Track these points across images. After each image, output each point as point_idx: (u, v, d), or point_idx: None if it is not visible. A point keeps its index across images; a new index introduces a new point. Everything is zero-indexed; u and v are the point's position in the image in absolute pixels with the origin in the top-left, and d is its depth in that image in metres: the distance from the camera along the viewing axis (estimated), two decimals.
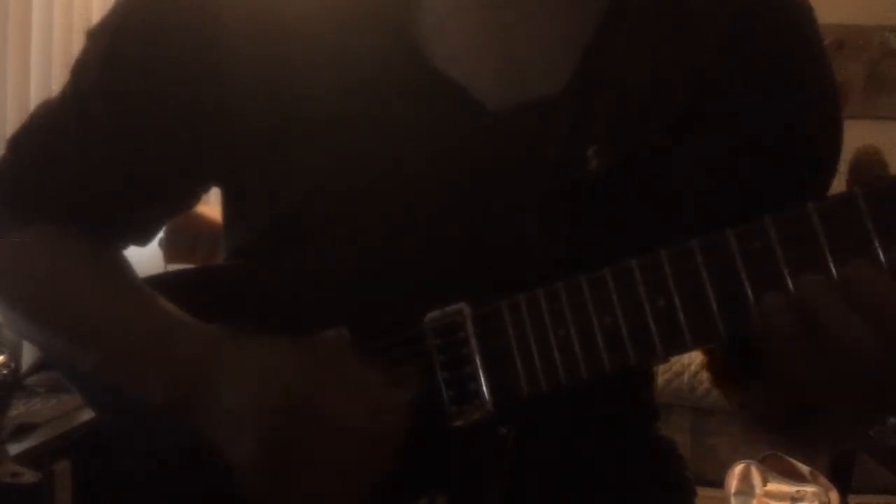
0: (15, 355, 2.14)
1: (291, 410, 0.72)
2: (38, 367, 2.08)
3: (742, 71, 0.80)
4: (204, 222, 1.94)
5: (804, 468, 3.12)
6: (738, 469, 3.23)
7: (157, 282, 0.87)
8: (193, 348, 0.78)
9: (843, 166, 0.67)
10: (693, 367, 3.64)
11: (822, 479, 3.10)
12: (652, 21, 0.80)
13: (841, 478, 3.11)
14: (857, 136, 3.13)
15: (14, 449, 1.81)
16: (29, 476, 1.65)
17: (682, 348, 0.67)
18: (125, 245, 0.91)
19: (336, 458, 0.72)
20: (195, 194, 0.91)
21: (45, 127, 0.88)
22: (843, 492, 3.12)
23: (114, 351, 0.81)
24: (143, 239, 0.91)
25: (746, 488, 3.19)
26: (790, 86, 0.81)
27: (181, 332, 0.79)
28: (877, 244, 0.62)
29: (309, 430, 0.72)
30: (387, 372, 0.74)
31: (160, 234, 2.26)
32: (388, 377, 0.73)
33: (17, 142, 0.89)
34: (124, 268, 0.88)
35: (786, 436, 0.82)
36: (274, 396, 0.73)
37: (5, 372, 2.03)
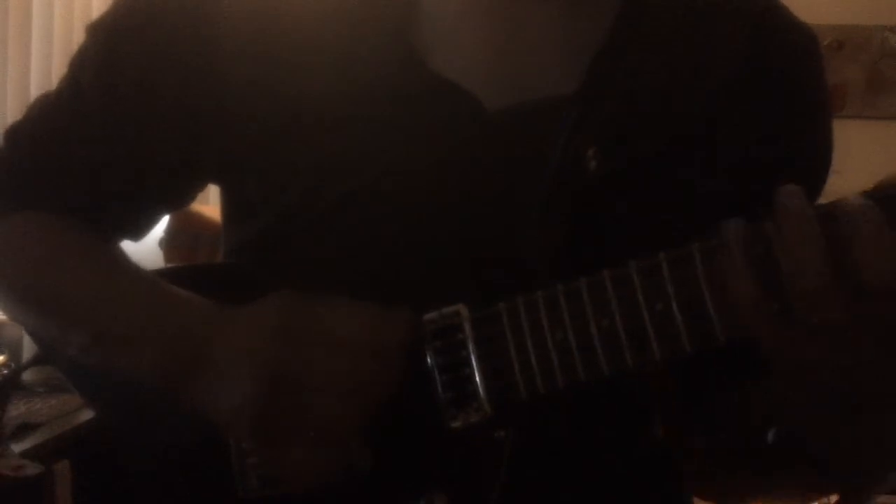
0: (15, 355, 2.15)
1: (285, 336, 0.72)
2: (35, 362, 2.08)
3: (749, 86, 0.81)
4: (204, 222, 1.95)
5: None
6: None
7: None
8: (191, 321, 0.78)
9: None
10: None
11: None
12: (664, 30, 0.81)
13: None
14: (856, 136, 3.13)
15: (15, 448, 1.81)
16: (31, 469, 1.65)
17: (680, 353, 0.67)
18: (119, 239, 0.91)
19: (339, 377, 0.72)
20: (191, 191, 0.91)
21: (42, 120, 0.89)
22: None
23: (109, 327, 0.81)
24: (136, 233, 0.92)
25: None
26: (794, 103, 0.83)
27: (178, 306, 0.79)
28: None
29: (305, 351, 0.72)
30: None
31: (161, 235, 2.28)
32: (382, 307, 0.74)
33: (14, 133, 0.90)
34: (118, 251, 0.89)
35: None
36: (266, 328, 0.73)
37: (5, 372, 2.03)
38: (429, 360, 0.74)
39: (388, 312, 0.74)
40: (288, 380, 0.72)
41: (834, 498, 0.79)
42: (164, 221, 2.17)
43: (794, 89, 0.83)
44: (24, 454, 1.78)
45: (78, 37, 0.90)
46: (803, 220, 0.62)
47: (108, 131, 0.85)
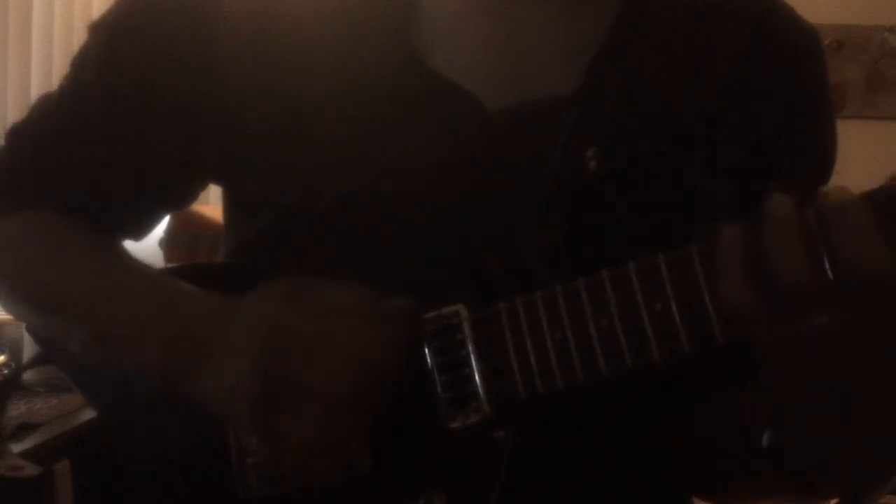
0: (15, 355, 2.15)
1: (285, 330, 0.72)
2: (36, 362, 2.08)
3: (749, 86, 0.81)
4: (205, 222, 1.95)
5: None
6: None
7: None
8: (191, 319, 0.78)
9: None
10: None
11: None
12: (664, 30, 0.81)
13: None
14: (856, 136, 3.13)
15: (15, 448, 1.81)
16: (30, 469, 1.65)
17: (679, 353, 0.67)
18: (120, 238, 0.91)
19: (338, 374, 0.71)
20: (192, 191, 0.91)
21: (43, 120, 0.89)
22: None
23: (111, 326, 0.81)
24: (138, 233, 0.92)
25: None
26: (794, 103, 0.82)
27: (179, 304, 0.80)
28: None
29: (305, 344, 0.72)
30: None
31: (161, 235, 2.28)
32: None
33: (16, 133, 0.90)
34: (120, 248, 0.89)
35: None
36: (265, 322, 0.73)
37: (6, 371, 2.03)
38: (428, 359, 0.74)
39: (388, 310, 0.74)
40: (287, 378, 0.72)
41: (834, 500, 0.79)
42: (165, 221, 2.17)
43: (795, 89, 0.82)
44: (24, 454, 1.78)
45: (78, 37, 0.90)
46: (790, 227, 0.62)
47: (108, 131, 0.85)
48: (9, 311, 0.95)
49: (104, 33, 0.88)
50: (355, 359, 0.72)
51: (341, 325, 0.73)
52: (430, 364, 0.74)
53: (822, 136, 0.85)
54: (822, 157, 0.85)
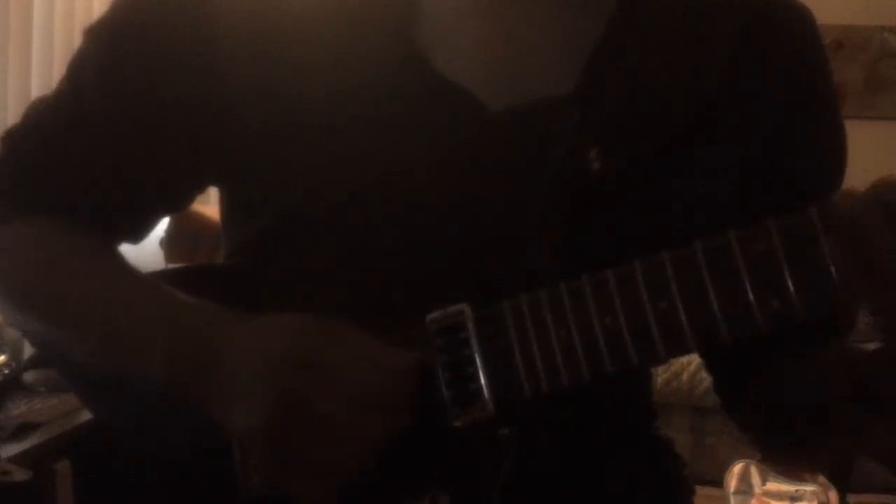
0: (15, 355, 2.14)
1: (300, 361, 0.71)
2: (34, 363, 2.08)
3: (750, 84, 0.81)
4: (205, 222, 1.94)
5: None
6: (737, 468, 3.23)
7: (156, 277, 0.87)
8: (196, 320, 0.78)
9: None
10: (692, 367, 3.64)
11: (821, 479, 3.11)
12: (663, 29, 0.81)
13: (840, 477, 3.12)
14: (856, 136, 3.13)
15: (15, 448, 1.81)
16: (19, 474, 1.64)
17: (684, 350, 0.68)
18: (119, 241, 0.90)
19: (350, 403, 0.71)
20: (191, 193, 0.91)
21: (41, 123, 0.88)
22: (842, 491, 3.12)
23: (114, 329, 0.81)
24: (136, 236, 0.91)
25: (746, 487, 3.19)
26: (797, 101, 0.82)
27: (183, 307, 0.79)
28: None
29: (320, 378, 0.71)
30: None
31: (161, 235, 2.28)
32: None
33: (12, 137, 0.89)
34: (120, 255, 0.88)
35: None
36: (281, 351, 0.72)
37: (6, 372, 2.03)
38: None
39: (402, 335, 0.73)
40: (301, 403, 0.71)
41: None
42: (165, 221, 2.16)
43: (793, 88, 0.82)
44: (25, 454, 1.78)
45: (79, 39, 0.89)
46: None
47: (108, 132, 0.85)
48: (9, 320, 0.94)
49: (103, 35, 0.87)
50: (370, 387, 0.71)
51: (357, 354, 0.72)
52: (434, 363, 0.74)
53: (824, 134, 0.85)
54: (827, 155, 0.85)
